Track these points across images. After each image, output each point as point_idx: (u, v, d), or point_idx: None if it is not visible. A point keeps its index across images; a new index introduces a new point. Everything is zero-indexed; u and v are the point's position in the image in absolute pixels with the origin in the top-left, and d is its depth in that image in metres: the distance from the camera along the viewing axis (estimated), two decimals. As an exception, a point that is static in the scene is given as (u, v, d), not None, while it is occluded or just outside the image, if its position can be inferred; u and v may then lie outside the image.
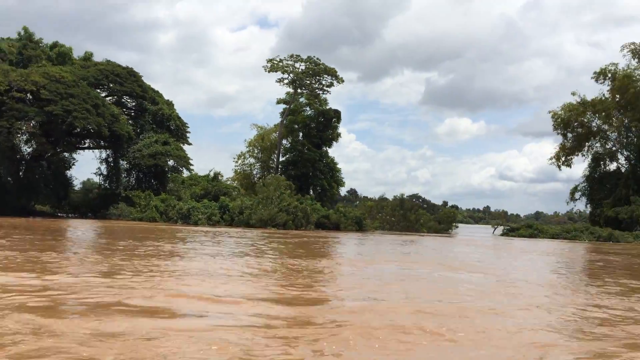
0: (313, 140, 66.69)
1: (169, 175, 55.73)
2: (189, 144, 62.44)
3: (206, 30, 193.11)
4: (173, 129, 61.08)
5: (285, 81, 65.21)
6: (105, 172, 54.11)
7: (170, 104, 62.70)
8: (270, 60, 64.84)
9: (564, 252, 29.02)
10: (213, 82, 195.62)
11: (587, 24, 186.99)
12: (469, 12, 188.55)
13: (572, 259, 23.07)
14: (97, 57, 59.91)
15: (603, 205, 53.03)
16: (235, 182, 69.15)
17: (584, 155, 58.59)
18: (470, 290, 11.01)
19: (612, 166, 57.69)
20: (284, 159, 67.68)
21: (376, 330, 6.57)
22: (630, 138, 55.61)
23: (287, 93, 70.44)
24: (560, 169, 59.55)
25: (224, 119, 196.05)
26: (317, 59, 65.40)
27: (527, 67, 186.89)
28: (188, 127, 62.84)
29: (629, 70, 53.59)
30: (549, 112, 59.06)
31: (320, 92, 68.06)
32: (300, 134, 68.97)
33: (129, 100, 59.69)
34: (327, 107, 69.33)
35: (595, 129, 57.54)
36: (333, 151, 69.03)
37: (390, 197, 56.26)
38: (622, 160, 57.18)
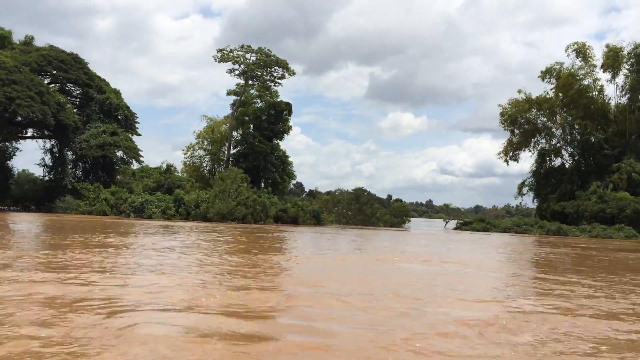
0: (264, 132, 65.94)
1: (118, 167, 53.80)
2: (138, 134, 60.52)
3: (147, 17, 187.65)
4: (121, 119, 58.99)
5: (236, 72, 64.00)
6: (49, 163, 51.56)
7: (117, 93, 60.50)
8: (220, 50, 63.36)
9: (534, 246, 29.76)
10: (155, 72, 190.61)
11: (523, 24, 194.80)
12: (410, 9, 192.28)
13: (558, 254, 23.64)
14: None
15: (549, 200, 55.02)
16: (185, 174, 67.55)
17: (531, 151, 60.69)
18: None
19: (557, 162, 59.98)
20: (234, 151, 66.57)
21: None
22: (573, 135, 57.89)
23: (238, 84, 69.32)
24: (507, 164, 61.49)
25: (166, 109, 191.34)
26: (268, 50, 64.45)
27: (466, 65, 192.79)
28: (137, 117, 60.90)
29: (572, 70, 55.68)
30: (499, 105, 60.71)
31: (272, 84, 67.30)
32: (251, 126, 68.10)
33: (73, 88, 57.18)
34: (278, 100, 68.74)
35: (540, 125, 59.58)
36: (282, 144, 68.27)
37: (336, 190, 56.70)
38: (566, 156, 59.60)
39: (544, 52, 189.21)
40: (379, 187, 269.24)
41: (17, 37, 56.02)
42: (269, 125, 66.63)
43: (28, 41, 56.66)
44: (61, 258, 11.90)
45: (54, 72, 54.39)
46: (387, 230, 43.01)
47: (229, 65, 62.07)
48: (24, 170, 54.95)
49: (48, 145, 51.79)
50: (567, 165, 58.74)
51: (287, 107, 68.53)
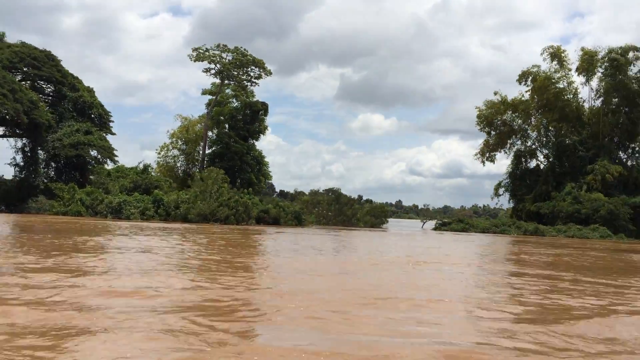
0: (240, 132, 65.32)
1: (91, 167, 52.58)
2: (113, 133, 59.30)
3: (115, 15, 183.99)
4: (95, 117, 57.70)
5: (212, 71, 63.31)
6: (21, 163, 49.99)
7: (91, 91, 59.14)
8: (196, 49, 62.56)
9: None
10: (122, 70, 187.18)
11: (491, 28, 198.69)
12: (381, 11, 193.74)
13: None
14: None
15: (525, 201, 55.83)
16: (158, 174, 66.45)
17: (506, 152, 61.52)
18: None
19: (532, 163, 60.95)
20: (209, 151, 65.78)
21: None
22: (548, 137, 58.93)
23: (213, 84, 68.63)
24: (484, 165, 62.20)
25: (134, 108, 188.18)
26: (245, 49, 63.92)
27: (435, 67, 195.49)
28: (111, 115, 59.64)
29: (549, 73, 56.66)
30: (476, 107, 61.39)
31: (248, 83, 66.78)
32: (227, 126, 67.42)
33: (45, 86, 55.69)
34: (254, 100, 68.22)
35: (516, 127, 60.45)
36: (258, 144, 67.80)
37: (306, 191, 56.57)
38: (541, 157, 60.63)
39: (511, 55, 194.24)
40: (349, 188, 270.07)
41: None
42: (244, 125, 66.04)
43: (-1, 37, 54.95)
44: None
45: (25, 69, 52.88)
46: (372, 231, 42.96)
47: (204, 64, 61.35)
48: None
49: (19, 144, 50.21)
50: (542, 166, 59.73)
51: (264, 107, 68.07)
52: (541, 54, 58.11)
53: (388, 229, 48.88)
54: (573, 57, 56.70)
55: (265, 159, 70.81)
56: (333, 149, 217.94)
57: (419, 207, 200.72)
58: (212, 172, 42.99)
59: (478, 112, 61.07)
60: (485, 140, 61.71)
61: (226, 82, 65.40)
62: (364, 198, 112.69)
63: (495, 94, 60.91)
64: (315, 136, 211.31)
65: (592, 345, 6.10)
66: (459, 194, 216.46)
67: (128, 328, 5.80)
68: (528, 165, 60.64)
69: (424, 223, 64.08)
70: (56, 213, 42.20)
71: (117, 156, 55.03)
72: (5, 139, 50.62)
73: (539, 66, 57.40)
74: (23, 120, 45.00)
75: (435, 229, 51.62)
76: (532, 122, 60.08)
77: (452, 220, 53.54)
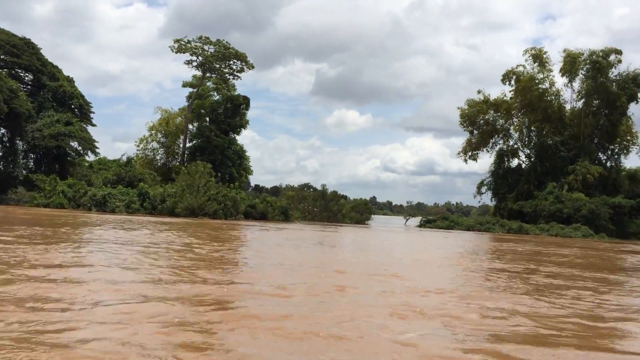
0: (221, 126, 64.71)
1: (72, 159, 51.37)
2: (93, 125, 57.87)
3: (88, 3, 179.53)
4: (75, 108, 56.36)
5: (194, 64, 62.50)
6: (0, 153, 48.48)
7: (71, 81, 57.66)
8: (177, 41, 61.69)
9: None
10: (95, 60, 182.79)
11: (465, 28, 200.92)
12: (357, 7, 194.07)
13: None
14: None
15: (507, 199, 56.49)
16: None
17: (489, 151, 62.19)
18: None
19: (514, 163, 61.77)
20: (190, 144, 64.95)
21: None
22: (531, 137, 59.75)
23: (194, 76, 67.81)
24: (466, 163, 62.77)
25: (106, 99, 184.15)
26: (227, 42, 63.27)
27: (410, 65, 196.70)
28: (92, 106, 58.22)
29: (532, 73, 57.34)
30: (458, 108, 61.90)
31: (231, 77, 66.15)
32: (208, 120, 66.69)
33: (24, 75, 54.09)
34: (236, 93, 67.61)
35: (499, 127, 61.09)
36: (239, 139, 67.29)
37: (282, 185, 56.45)
38: (523, 157, 61.44)
39: (485, 55, 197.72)
40: (324, 184, 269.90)
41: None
42: (225, 119, 65.44)
43: (-25, 23, 53.23)
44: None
45: (3, 56, 51.29)
46: (363, 227, 42.98)
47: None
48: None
49: (-2, 134, 48.72)
50: (523, 165, 60.52)
51: (245, 101, 67.54)
52: (523, 55, 58.91)
53: (372, 226, 48.96)
54: (555, 59, 57.56)
55: (247, 154, 70.38)
56: (308, 145, 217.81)
57: (393, 204, 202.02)
58: (198, 166, 42.37)
59: (461, 112, 61.59)
60: (467, 139, 62.31)
61: (208, 74, 64.64)
62: (338, 193, 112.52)
63: (479, 92, 61.60)
64: (290, 131, 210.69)
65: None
66: (432, 191, 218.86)
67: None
68: (510, 164, 61.45)
69: (407, 220, 64.39)
70: (37, 205, 41.15)
71: (98, 148, 53.87)
72: (-18, 128, 49.02)
73: (523, 66, 58.01)
74: (3, 109, 43.63)
75: (420, 226, 51.84)
76: (515, 122, 60.79)
77: (437, 217, 53.84)
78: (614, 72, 55.89)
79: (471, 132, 61.66)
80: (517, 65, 58.26)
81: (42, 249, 12.00)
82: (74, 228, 20.73)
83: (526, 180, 56.48)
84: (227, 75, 65.56)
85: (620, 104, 54.47)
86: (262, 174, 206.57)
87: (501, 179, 59.88)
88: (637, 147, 56.92)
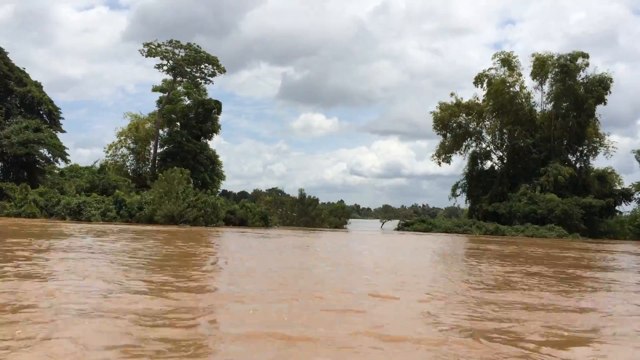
0: (193, 131, 63.91)
1: (41, 166, 49.99)
2: (63, 131, 56.61)
3: (48, 6, 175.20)
4: (43, 114, 54.96)
5: (165, 68, 61.54)
6: (-34, 162, 46.90)
7: (39, 86, 56.17)
8: (147, 44, 60.59)
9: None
10: (55, 64, 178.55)
11: (428, 32, 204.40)
12: (322, 11, 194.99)
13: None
14: None
15: (481, 201, 57.25)
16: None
17: (462, 154, 62.94)
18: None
19: (487, 165, 62.61)
20: (161, 150, 63.83)
21: None
22: (503, 140, 60.71)
23: (164, 80, 66.74)
24: (440, 165, 63.29)
25: (67, 104, 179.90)
26: (198, 46, 62.50)
27: (375, 68, 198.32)
28: (61, 112, 56.86)
29: (504, 77, 58.30)
30: (430, 112, 62.49)
31: (202, 81, 65.36)
32: (179, 125, 65.76)
33: (-12, 80, 52.47)
34: (207, 98, 66.86)
35: (471, 129, 61.91)
36: (211, 144, 66.62)
37: (249, 190, 55.96)
38: (495, 159, 62.38)
39: (447, 59, 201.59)
40: (291, 187, 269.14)
41: None
42: (197, 124, 64.66)
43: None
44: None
45: (-33, 61, 49.71)
46: (345, 232, 42.91)
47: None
48: None
49: (-36, 142, 47.06)
50: (496, 167, 61.49)
51: (217, 106, 66.80)
52: (492, 59, 59.86)
53: (351, 230, 48.92)
54: (524, 63, 58.58)
55: (219, 159, 69.64)
56: (274, 149, 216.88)
57: (361, 207, 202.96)
58: (176, 172, 41.63)
59: (434, 115, 62.14)
60: (441, 142, 62.88)
61: (178, 79, 63.76)
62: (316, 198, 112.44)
63: (452, 95, 62.28)
64: (256, 135, 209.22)
65: None
66: (399, 194, 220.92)
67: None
68: (484, 166, 62.29)
69: (383, 223, 64.63)
70: (7, 215, 39.87)
71: (68, 155, 52.66)
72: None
73: (495, 69, 58.91)
74: (-31, 116, 42.24)
75: (398, 229, 52.06)
76: (487, 125, 61.72)
77: (414, 220, 54.18)
78: (581, 75, 57.20)
79: (444, 136, 62.28)
80: (489, 69, 59.19)
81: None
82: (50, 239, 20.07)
83: (499, 182, 57.35)
84: (198, 79, 64.75)
85: (588, 106, 55.79)
86: (229, 179, 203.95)
87: (475, 181, 60.65)
88: (604, 149, 58.37)
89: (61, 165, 51.22)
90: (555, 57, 57.37)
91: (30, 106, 52.77)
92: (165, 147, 63.43)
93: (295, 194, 52.80)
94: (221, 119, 67.90)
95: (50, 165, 49.10)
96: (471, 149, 62.22)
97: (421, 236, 40.28)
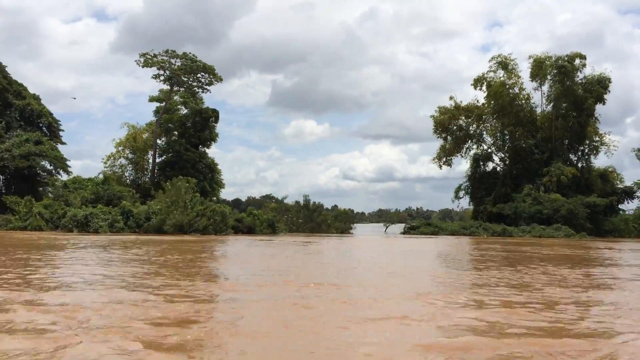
0: (191, 140, 63.70)
1: (43, 179, 49.58)
2: (63, 143, 56.26)
3: (36, 20, 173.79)
4: (43, 126, 54.55)
5: (162, 78, 61.30)
6: (-33, 175, 46.39)
7: (38, 99, 55.81)
8: (143, 55, 60.31)
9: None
10: (44, 77, 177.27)
11: (416, 36, 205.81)
12: (311, 18, 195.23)
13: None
14: None
15: (485, 203, 57.28)
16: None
17: (463, 157, 63.09)
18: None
19: (489, 166, 62.70)
20: (160, 160, 63.51)
21: None
22: (504, 141, 60.85)
23: (161, 90, 66.44)
24: (441, 168, 63.42)
25: (57, 116, 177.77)
26: (194, 55, 62.37)
27: (365, 73, 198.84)
28: (61, 124, 56.48)
29: (503, 79, 58.50)
30: (430, 116, 62.60)
31: (199, 90, 65.15)
32: (176, 134, 65.50)
33: (-13, 93, 52.01)
34: (204, 106, 66.70)
35: (472, 132, 62.05)
36: (210, 152, 66.35)
37: (243, 198, 55.76)
38: (497, 160, 62.52)
39: (436, 62, 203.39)
40: (284, 194, 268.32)
41: None
42: (195, 133, 64.45)
43: None
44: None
45: (-35, 75, 49.31)
46: (356, 237, 42.79)
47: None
48: None
49: (-36, 156, 46.58)
50: (498, 169, 61.57)
51: (214, 114, 66.73)
52: (489, 62, 60.11)
53: (359, 235, 48.80)
54: (521, 65, 58.77)
55: (218, 167, 69.36)
56: (267, 156, 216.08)
57: (355, 212, 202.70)
58: (183, 182, 41.34)
59: (434, 119, 62.27)
60: (441, 145, 62.98)
61: (175, 88, 63.54)
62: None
63: (451, 98, 62.42)
64: (248, 143, 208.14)
65: None
66: (392, 198, 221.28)
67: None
68: (486, 168, 62.38)
69: (387, 227, 64.50)
70: (13, 228, 39.43)
71: (70, 167, 52.28)
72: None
73: (495, 71, 59.07)
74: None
75: (404, 232, 51.88)
76: (488, 127, 61.88)
77: (420, 224, 54.07)
78: (579, 76, 57.53)
79: (445, 139, 62.37)
80: (488, 71, 59.38)
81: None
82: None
83: (502, 184, 57.39)
84: (195, 88, 64.58)
85: (588, 106, 56.07)
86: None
87: (478, 183, 60.70)
88: (605, 147, 58.67)
89: (63, 177, 50.81)
90: (554, 59, 57.70)
91: (30, 119, 52.40)
92: (164, 156, 63.21)
93: (289, 200, 52.99)
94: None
95: (53, 177, 48.67)
96: (472, 151, 62.42)
97: (436, 239, 40.08)
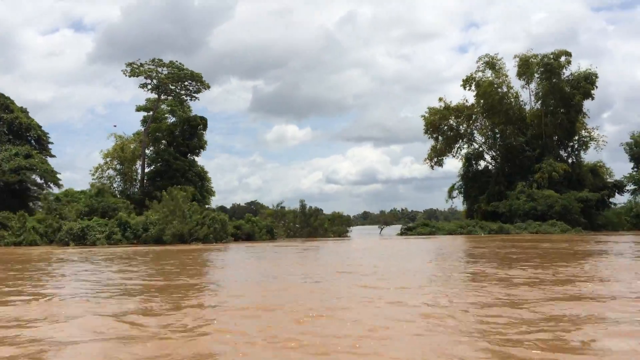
0: (180, 148, 63.11)
1: (34, 193, 48.78)
2: (53, 156, 55.35)
3: (12, 32, 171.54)
4: (32, 140, 53.68)
5: (149, 87, 60.81)
6: (-43, 191, 45.38)
7: (25, 112, 54.91)
8: (130, 64, 59.76)
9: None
10: (22, 89, 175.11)
11: (395, 39, 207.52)
12: (290, 23, 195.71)
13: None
14: None
15: (479, 201, 57.57)
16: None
17: (454, 156, 63.42)
18: None
19: (481, 165, 63.09)
20: (149, 169, 62.85)
21: None
22: (495, 139, 61.28)
23: (148, 99, 65.89)
24: (432, 169, 63.71)
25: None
26: (180, 63, 62.03)
27: (346, 77, 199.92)
28: (49, 137, 55.62)
29: (491, 79, 58.94)
30: (421, 116, 62.84)
31: (188, 97, 64.72)
32: (165, 143, 64.92)
33: (-27, 107, 51.16)
34: (192, 115, 66.26)
35: (462, 131, 62.41)
36: (199, 160, 65.89)
37: (227, 205, 55.58)
38: (489, 159, 62.96)
39: (416, 64, 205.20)
40: (268, 200, 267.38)
41: None
42: (184, 141, 63.85)
43: None
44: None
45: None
46: (357, 241, 42.61)
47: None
48: None
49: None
50: (490, 167, 61.96)
51: (202, 122, 66.15)
52: (477, 62, 60.58)
53: (357, 238, 48.63)
54: (508, 64, 59.30)
55: (208, 175, 68.85)
56: (249, 162, 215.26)
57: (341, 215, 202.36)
58: (180, 191, 40.92)
59: (424, 119, 62.54)
60: (432, 146, 63.28)
61: (163, 97, 63.03)
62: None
63: (440, 99, 62.70)
64: (230, 149, 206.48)
65: None
66: (376, 200, 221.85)
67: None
68: (478, 167, 62.75)
69: (382, 229, 64.48)
70: (7, 244, 38.61)
71: (60, 180, 51.51)
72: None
73: (483, 71, 59.52)
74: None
75: (401, 233, 51.84)
76: (478, 126, 62.29)
77: (417, 224, 54.14)
78: (565, 73, 58.11)
79: (436, 139, 62.67)
80: (476, 71, 59.83)
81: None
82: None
83: (495, 182, 57.73)
84: (183, 96, 64.16)
85: (576, 102, 56.66)
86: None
87: (471, 182, 61.04)
88: (594, 143, 59.32)
89: (54, 190, 50.01)
90: (539, 57, 58.24)
91: (18, 132, 51.57)
92: (153, 166, 62.50)
93: (273, 205, 52.90)
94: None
95: (45, 191, 47.88)
96: (464, 151, 62.77)
97: (442, 239, 40.01)
